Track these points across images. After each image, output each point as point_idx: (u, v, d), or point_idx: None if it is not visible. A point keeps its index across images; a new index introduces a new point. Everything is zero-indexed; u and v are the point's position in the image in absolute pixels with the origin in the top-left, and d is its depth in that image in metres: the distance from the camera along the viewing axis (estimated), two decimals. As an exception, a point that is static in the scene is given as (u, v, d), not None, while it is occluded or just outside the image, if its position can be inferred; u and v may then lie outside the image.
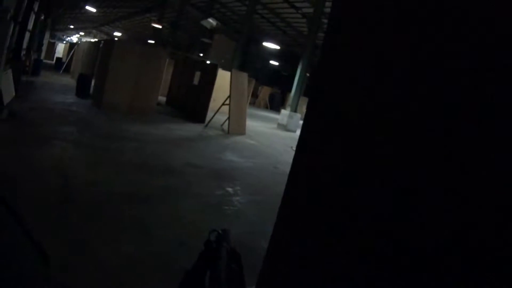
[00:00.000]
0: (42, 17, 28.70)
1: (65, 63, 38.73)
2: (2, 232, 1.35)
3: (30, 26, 22.28)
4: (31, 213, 5.96)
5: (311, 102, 1.72)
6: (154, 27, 35.54)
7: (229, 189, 9.46)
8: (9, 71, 13.66)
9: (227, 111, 19.67)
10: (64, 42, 62.99)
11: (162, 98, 26.81)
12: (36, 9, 23.02)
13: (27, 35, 22.32)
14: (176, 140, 14.68)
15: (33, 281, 1.39)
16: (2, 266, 1.21)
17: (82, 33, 64.53)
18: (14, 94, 14.33)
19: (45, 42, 40.92)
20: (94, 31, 61.34)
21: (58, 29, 60.45)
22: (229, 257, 1.57)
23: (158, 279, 4.72)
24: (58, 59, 44.18)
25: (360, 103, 1.41)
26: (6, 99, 12.29)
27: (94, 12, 37.31)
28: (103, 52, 20.62)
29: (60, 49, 58.42)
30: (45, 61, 39.29)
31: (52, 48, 58.05)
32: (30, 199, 6.53)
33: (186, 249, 5.52)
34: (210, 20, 31.79)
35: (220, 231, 1.66)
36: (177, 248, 5.63)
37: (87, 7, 32.82)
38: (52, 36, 59.81)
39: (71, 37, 68.80)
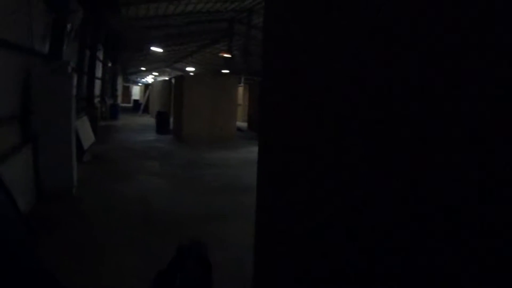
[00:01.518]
0: (110, 64, 30.36)
1: (143, 104, 40.56)
2: None
3: (98, 74, 23.95)
4: (119, 235, 6.97)
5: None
6: (225, 56, 36.34)
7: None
8: (85, 118, 14.89)
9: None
10: (139, 84, 65.82)
11: (244, 124, 27.60)
12: (101, 57, 24.67)
13: (98, 83, 23.92)
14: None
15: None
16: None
17: (155, 73, 66.66)
18: (93, 139, 15.43)
19: (119, 86, 43.10)
20: (168, 69, 62.97)
21: (130, 73, 63.12)
22: (199, 266, 1.73)
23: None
24: (135, 101, 46.56)
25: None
26: (86, 144, 13.33)
27: (161, 52, 38.70)
28: (175, 88, 21.77)
29: (136, 91, 61.31)
30: (122, 104, 41.53)
31: (127, 91, 61.04)
32: (117, 224, 7.52)
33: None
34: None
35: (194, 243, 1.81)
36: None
37: (153, 48, 34.15)
38: (126, 80, 62.73)
39: (145, 79, 71.45)
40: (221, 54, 38.01)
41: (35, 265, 1.44)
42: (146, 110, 38.76)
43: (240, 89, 31.18)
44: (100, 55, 24.19)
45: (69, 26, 9.90)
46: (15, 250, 1.34)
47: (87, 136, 14.20)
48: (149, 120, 30.21)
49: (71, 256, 6.00)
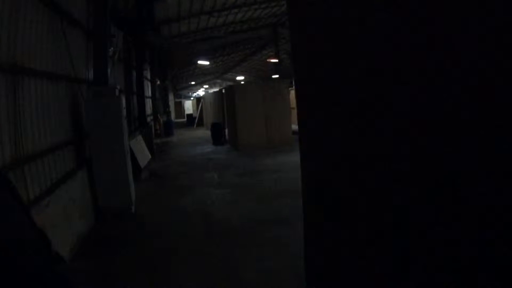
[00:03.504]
0: (159, 82, 31.02)
1: (196, 117, 41.22)
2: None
3: (148, 93, 24.59)
4: (183, 247, 7.16)
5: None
6: (273, 62, 36.42)
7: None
8: (139, 137, 15.34)
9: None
10: (191, 98, 66.84)
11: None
12: (149, 76, 25.30)
13: (149, 101, 24.52)
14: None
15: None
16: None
17: (206, 86, 67.53)
18: (149, 156, 15.85)
19: (171, 103, 43.95)
20: (218, 80, 63.60)
21: (181, 88, 64.25)
22: None
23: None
24: (189, 115, 47.25)
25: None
26: (142, 162, 13.72)
27: (209, 65, 39.10)
28: (227, 98, 22.05)
29: (189, 105, 62.27)
30: (176, 120, 42.27)
31: (180, 107, 62.03)
32: (179, 236, 7.78)
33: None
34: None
35: None
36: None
37: (199, 62, 34.57)
38: (177, 96, 63.84)
39: (197, 92, 72.51)
40: (268, 60, 38.23)
41: (45, 268, 1.56)
42: (200, 123, 39.32)
43: (292, 92, 31.16)
44: (148, 74, 24.82)
45: (111, 50, 10.27)
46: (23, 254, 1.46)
47: (143, 155, 14.62)
48: (204, 132, 30.63)
49: (139, 273, 6.25)
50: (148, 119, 22.83)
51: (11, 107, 5.64)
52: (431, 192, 1.24)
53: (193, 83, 63.01)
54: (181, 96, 67.44)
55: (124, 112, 9.74)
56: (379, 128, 1.42)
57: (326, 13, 1.78)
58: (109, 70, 10.07)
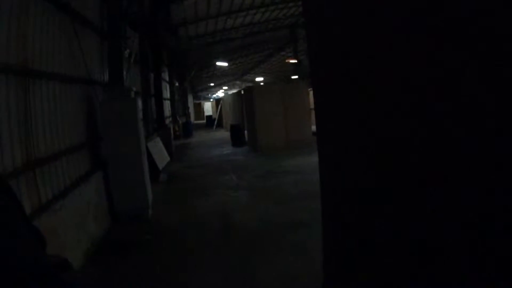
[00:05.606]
0: (177, 84, 31.09)
1: (216, 119, 41.32)
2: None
3: (166, 95, 24.62)
4: (199, 249, 7.07)
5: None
6: (292, 62, 36.38)
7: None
8: (157, 139, 15.28)
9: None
10: (211, 100, 67.16)
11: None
12: (167, 78, 25.33)
13: (167, 103, 24.53)
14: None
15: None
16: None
17: (225, 88, 67.76)
18: (168, 158, 15.79)
19: (190, 104, 44.14)
20: (237, 82, 63.82)
21: (200, 90, 64.64)
22: None
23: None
24: (208, 117, 47.46)
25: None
26: (160, 164, 13.66)
27: (228, 66, 39.17)
28: (246, 99, 21.98)
29: (208, 107, 62.58)
30: (195, 122, 42.45)
31: (199, 108, 62.39)
32: (197, 239, 7.67)
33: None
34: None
35: None
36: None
37: (218, 63, 34.66)
38: (197, 98, 64.21)
39: (216, 94, 72.81)
40: (287, 61, 38.19)
41: (41, 267, 1.48)
42: (219, 124, 39.42)
43: (312, 93, 31.06)
44: (166, 76, 24.85)
45: (127, 52, 10.23)
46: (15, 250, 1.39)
47: (161, 157, 14.57)
48: (224, 134, 30.64)
49: (154, 276, 6.15)
50: (167, 121, 22.86)
51: (21, 109, 5.57)
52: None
53: (212, 84, 63.29)
54: (200, 98, 67.83)
55: (140, 114, 9.69)
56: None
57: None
58: (124, 72, 10.04)
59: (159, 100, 19.80)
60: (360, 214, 1.71)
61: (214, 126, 40.14)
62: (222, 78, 57.78)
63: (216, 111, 43.24)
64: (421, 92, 1.23)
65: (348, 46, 1.68)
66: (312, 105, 24.47)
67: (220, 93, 69.51)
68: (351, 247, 1.87)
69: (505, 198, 0.98)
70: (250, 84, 46.53)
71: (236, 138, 23.02)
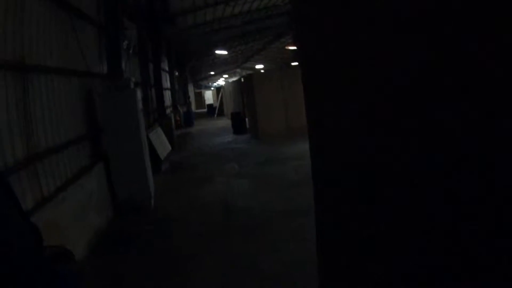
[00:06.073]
0: (177, 73, 31.05)
1: (217, 107, 41.27)
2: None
3: (166, 85, 24.64)
4: (201, 237, 7.20)
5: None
6: (292, 49, 36.23)
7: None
8: (158, 129, 15.33)
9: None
10: (211, 88, 67.02)
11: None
12: (166, 68, 25.32)
13: (167, 93, 24.56)
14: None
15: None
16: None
17: (226, 76, 67.61)
18: (170, 148, 15.85)
19: (191, 93, 44.09)
20: (238, 70, 63.63)
21: (201, 79, 64.46)
22: None
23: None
24: (209, 105, 47.44)
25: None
26: (162, 154, 13.71)
27: (227, 54, 39.04)
28: (246, 87, 21.98)
29: (209, 96, 62.51)
30: (197, 110, 42.43)
31: (200, 97, 62.29)
32: (199, 227, 7.75)
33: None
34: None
35: None
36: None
37: (217, 52, 34.58)
38: (198, 86, 64.07)
39: (217, 82, 72.67)
40: (287, 47, 38.06)
41: (35, 259, 1.54)
42: (221, 113, 39.39)
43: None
44: (166, 66, 24.83)
45: (125, 43, 10.25)
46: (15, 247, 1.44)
47: (163, 147, 14.62)
48: (225, 122, 30.62)
49: (156, 266, 6.23)
50: (168, 110, 22.89)
51: (20, 104, 5.62)
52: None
53: (212, 73, 63.13)
54: (201, 87, 67.65)
55: (140, 104, 9.72)
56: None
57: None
58: (123, 63, 10.06)
59: (159, 90, 19.83)
60: (358, 212, 1.72)
61: (215, 115, 40.06)
62: (222, 66, 57.62)
63: (217, 100, 43.17)
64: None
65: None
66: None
67: (221, 81, 69.33)
68: (347, 247, 1.87)
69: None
70: (250, 72, 46.47)
71: (238, 126, 23.09)
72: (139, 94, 9.76)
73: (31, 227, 1.69)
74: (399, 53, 1.28)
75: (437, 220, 1.20)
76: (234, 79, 44.85)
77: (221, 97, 40.23)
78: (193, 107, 41.86)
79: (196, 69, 50.81)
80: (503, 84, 0.94)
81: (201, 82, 67.22)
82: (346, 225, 1.85)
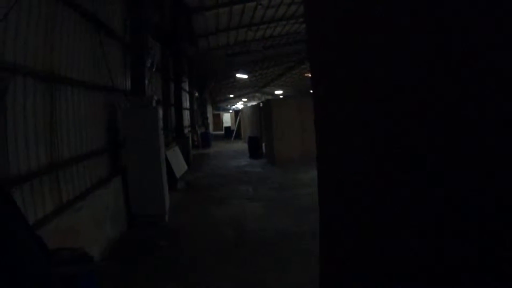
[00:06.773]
0: (197, 94, 31.29)
1: (235, 130, 41.51)
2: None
3: (186, 104, 24.91)
4: (213, 255, 7.28)
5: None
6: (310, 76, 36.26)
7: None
8: (176, 148, 15.53)
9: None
10: (230, 111, 67.29)
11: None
12: (187, 88, 25.64)
13: (187, 113, 24.88)
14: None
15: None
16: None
17: (245, 99, 67.69)
18: (186, 167, 16.02)
19: (209, 115, 44.31)
20: (257, 94, 63.59)
21: (220, 101, 64.73)
22: None
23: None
24: (227, 128, 47.66)
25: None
26: (179, 173, 13.90)
27: (248, 78, 39.26)
28: (264, 112, 22.13)
29: (227, 118, 62.78)
30: (214, 132, 42.52)
31: (218, 119, 62.56)
32: (211, 245, 7.87)
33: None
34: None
35: None
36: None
37: (238, 75, 34.81)
38: (217, 108, 64.37)
39: (235, 105, 72.83)
40: (307, 75, 38.19)
41: (44, 269, 1.63)
42: (238, 136, 39.62)
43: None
44: (186, 86, 25.11)
45: (149, 61, 10.48)
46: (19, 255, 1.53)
47: (179, 165, 14.77)
48: (242, 145, 30.69)
49: (165, 277, 6.35)
50: (186, 130, 23.06)
51: (47, 114, 5.83)
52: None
53: (231, 96, 63.34)
54: (219, 109, 67.98)
55: (161, 122, 9.89)
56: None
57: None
58: (146, 81, 10.27)
59: (179, 109, 20.05)
60: (359, 215, 1.77)
61: (233, 137, 40.33)
62: (241, 89, 57.82)
63: (235, 123, 43.36)
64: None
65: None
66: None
67: (240, 105, 69.47)
68: (349, 248, 1.91)
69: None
70: (269, 97, 46.57)
71: (254, 150, 23.16)
72: (160, 112, 9.95)
73: (38, 241, 1.80)
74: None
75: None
76: (253, 103, 45.01)
77: (239, 121, 40.39)
78: (211, 128, 42.08)
79: (215, 91, 51.11)
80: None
81: (220, 104, 67.50)
82: (349, 209, 1.89)
